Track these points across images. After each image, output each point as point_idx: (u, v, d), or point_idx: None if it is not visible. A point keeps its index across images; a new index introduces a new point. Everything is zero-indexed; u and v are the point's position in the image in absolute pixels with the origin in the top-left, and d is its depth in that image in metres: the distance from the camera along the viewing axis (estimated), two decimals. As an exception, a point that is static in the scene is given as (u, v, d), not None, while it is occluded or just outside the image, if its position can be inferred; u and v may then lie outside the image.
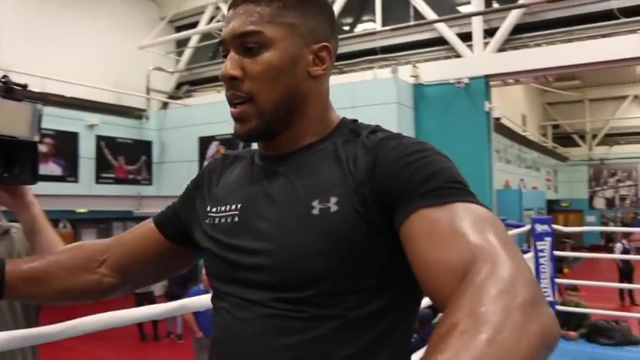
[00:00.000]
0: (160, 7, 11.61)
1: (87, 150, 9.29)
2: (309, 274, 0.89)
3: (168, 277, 1.46)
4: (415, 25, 8.90)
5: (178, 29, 11.86)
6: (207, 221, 1.06)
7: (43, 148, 8.38)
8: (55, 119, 8.27)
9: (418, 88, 8.54)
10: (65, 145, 8.84)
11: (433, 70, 8.54)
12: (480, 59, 8.43)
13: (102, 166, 9.52)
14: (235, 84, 0.96)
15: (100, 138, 9.45)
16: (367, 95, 8.01)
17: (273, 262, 0.92)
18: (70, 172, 9.07)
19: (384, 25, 9.46)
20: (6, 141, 1.31)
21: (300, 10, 0.98)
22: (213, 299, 1.05)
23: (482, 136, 8.16)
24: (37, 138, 1.36)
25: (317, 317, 0.89)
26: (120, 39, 10.12)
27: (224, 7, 10.43)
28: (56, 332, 1.38)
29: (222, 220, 1.02)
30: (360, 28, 10.31)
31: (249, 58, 0.96)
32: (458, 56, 8.73)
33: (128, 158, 9.89)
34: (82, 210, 9.65)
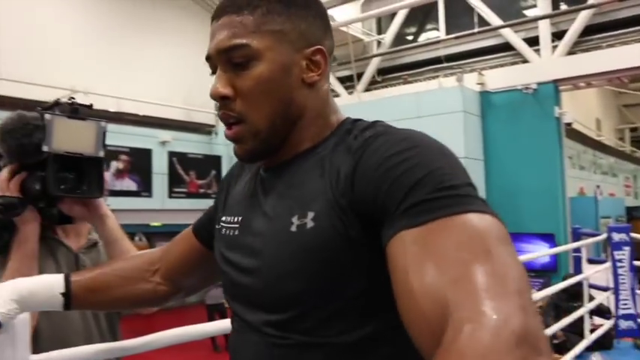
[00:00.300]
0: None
1: (160, 166, 9.64)
2: (286, 294, 0.83)
3: (216, 282, 1.48)
4: (480, 32, 8.77)
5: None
6: (217, 227, 1.03)
7: (119, 164, 8.77)
8: (130, 137, 8.63)
9: (485, 96, 8.39)
10: (139, 161, 9.20)
11: (499, 77, 8.36)
12: (548, 63, 8.20)
13: (174, 181, 9.84)
14: (227, 103, 0.89)
15: (172, 154, 9.78)
16: (432, 105, 7.94)
17: (259, 282, 0.87)
18: (145, 188, 9.42)
19: (447, 33, 9.37)
20: (74, 158, 1.38)
21: (286, 14, 0.88)
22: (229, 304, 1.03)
23: (553, 143, 7.91)
24: (101, 154, 1.42)
25: (303, 345, 0.83)
26: (189, 58, 10.45)
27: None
28: (139, 345, 1.45)
29: (226, 231, 0.99)
30: (423, 38, 10.25)
31: (238, 73, 0.88)
32: (525, 61, 8.52)
33: (199, 173, 10.18)
34: (156, 223, 10.00)
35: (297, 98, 0.90)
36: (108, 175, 1.81)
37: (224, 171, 10.49)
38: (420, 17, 10.22)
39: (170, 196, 9.75)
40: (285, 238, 0.84)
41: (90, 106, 1.44)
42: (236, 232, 0.96)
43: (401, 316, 0.67)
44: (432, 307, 0.61)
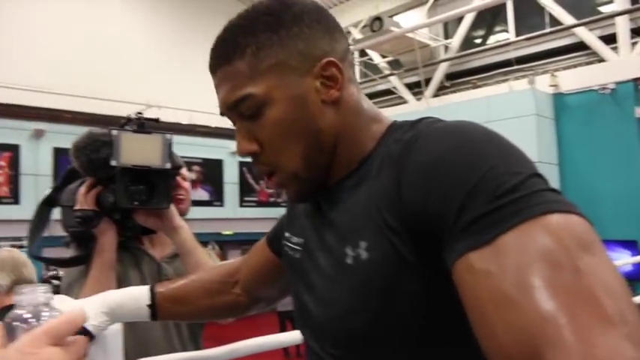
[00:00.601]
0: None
1: (231, 175, 9.85)
2: (349, 331, 0.76)
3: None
4: (552, 32, 8.49)
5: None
6: (284, 242, 1.00)
7: (192, 175, 9.03)
8: (202, 148, 8.88)
9: (558, 98, 8.10)
10: (211, 171, 9.43)
11: (574, 78, 8.05)
12: (627, 62, 7.82)
13: (245, 190, 10.03)
14: (256, 157, 0.83)
15: (242, 164, 9.98)
16: (503, 109, 7.73)
17: (322, 316, 0.82)
18: (217, 197, 9.65)
19: (517, 34, 9.13)
20: (142, 171, 1.43)
21: (277, 42, 0.79)
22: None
23: (634, 145, 7.52)
24: (168, 166, 1.45)
25: None
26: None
27: (354, 32, 10.65)
28: (221, 354, 1.49)
29: (291, 252, 0.95)
30: (492, 40, 10.02)
31: (254, 122, 0.81)
32: (601, 60, 8.16)
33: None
34: (228, 232, 10.21)
35: (324, 124, 0.81)
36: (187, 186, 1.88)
37: (293, 180, 10.61)
38: (489, 19, 10.01)
39: (241, 205, 9.94)
40: (342, 272, 0.77)
41: (157, 120, 1.49)
42: (298, 256, 0.92)
43: (483, 352, 0.57)
44: (517, 348, 0.52)
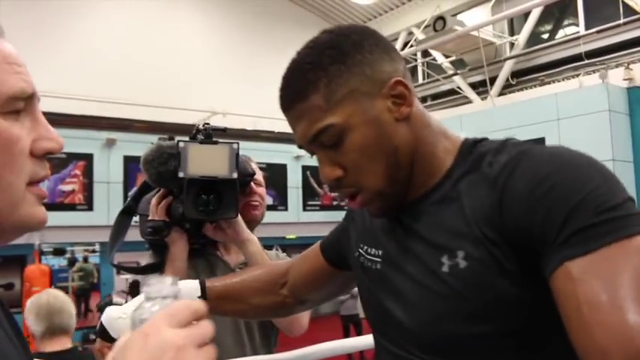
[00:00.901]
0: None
1: (294, 180, 9.94)
2: (444, 335, 0.81)
3: (339, 296, 1.51)
4: (626, 23, 8.11)
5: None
6: (356, 255, 1.03)
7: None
8: (267, 153, 8.99)
9: (633, 92, 7.72)
10: (275, 176, 9.54)
11: (650, 71, 7.67)
12: None
13: (308, 194, 10.09)
14: (340, 181, 0.87)
15: (305, 168, 10.05)
16: (573, 105, 7.45)
17: (414, 323, 0.86)
18: (281, 201, 9.76)
19: (588, 27, 8.78)
20: (210, 181, 1.44)
21: (346, 71, 0.83)
22: (374, 337, 1.02)
23: None
24: (235, 175, 1.46)
25: None
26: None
27: (417, 32, 10.54)
28: (293, 358, 1.51)
29: (369, 263, 0.98)
30: (560, 35, 9.69)
31: (336, 150, 0.85)
32: (680, 52, 7.74)
33: (332, 185, 10.36)
34: (291, 236, 10.30)
35: (399, 141, 0.85)
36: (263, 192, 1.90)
37: (356, 183, 10.60)
38: (557, 13, 9.68)
39: (304, 209, 10.01)
40: (437, 279, 0.81)
41: (224, 130, 1.51)
42: (378, 267, 0.95)
43: (578, 354, 0.65)
44: (615, 347, 0.59)
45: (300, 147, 0.92)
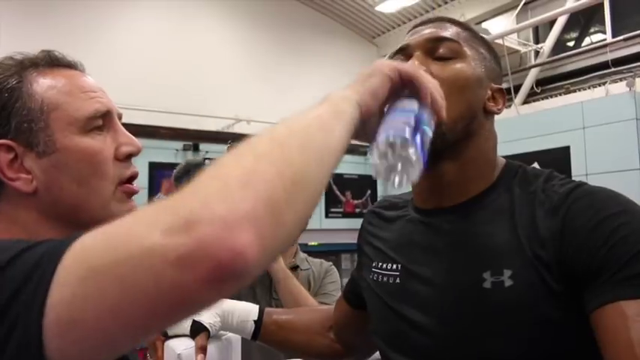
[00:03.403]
0: (378, 47, 12.10)
1: (317, 187, 9.95)
2: (481, 354, 0.80)
3: None
4: (654, 31, 7.99)
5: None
6: (371, 277, 1.02)
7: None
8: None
9: (661, 101, 7.61)
10: (298, 183, 9.57)
11: (679, 79, 7.54)
12: None
13: (331, 202, 10.10)
14: None
15: (328, 175, 10.05)
16: (599, 114, 7.34)
17: (441, 339, 0.84)
18: (303, 208, 9.77)
19: (615, 35, 8.66)
20: None
21: (481, 46, 0.94)
22: (384, 353, 1.01)
23: None
24: None
25: None
26: (343, 81, 10.49)
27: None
28: None
29: (386, 278, 0.97)
30: (586, 42, 9.59)
31: (438, 63, 0.88)
32: None
33: (354, 193, 10.35)
34: (314, 243, 10.30)
35: (479, 116, 0.91)
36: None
37: (379, 191, 10.58)
38: (583, 21, 9.58)
39: (327, 216, 10.01)
40: (477, 295, 0.81)
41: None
42: (397, 280, 0.94)
43: None
44: None
45: (400, 50, 0.93)
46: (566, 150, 7.14)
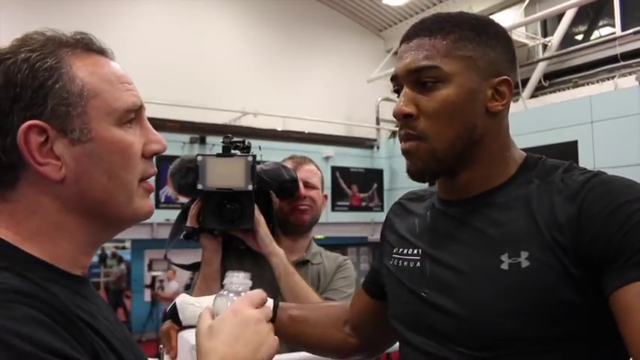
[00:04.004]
0: (385, 40, 12.06)
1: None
2: (496, 333, 0.83)
3: None
4: (663, 25, 7.92)
5: (403, 59, 12.10)
6: (391, 262, 1.04)
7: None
8: (297, 153, 9.01)
9: (670, 95, 7.55)
10: (304, 176, 9.58)
11: (689, 73, 7.48)
12: None
13: (337, 195, 10.10)
14: (409, 122, 0.91)
15: (334, 169, 10.06)
16: (608, 108, 7.31)
17: (460, 319, 0.87)
18: (310, 202, 9.77)
19: (624, 28, 8.60)
20: (230, 193, 1.50)
21: (477, 42, 0.90)
22: (400, 343, 1.03)
23: None
24: (250, 187, 1.51)
25: None
26: (350, 75, 10.73)
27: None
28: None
29: (407, 263, 0.99)
30: (595, 36, 9.52)
31: (424, 94, 0.90)
32: None
33: (361, 186, 10.35)
34: (320, 236, 10.30)
35: (479, 125, 0.91)
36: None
37: (386, 184, 10.58)
38: (591, 14, 9.52)
39: (333, 210, 10.02)
40: (494, 276, 0.84)
41: (242, 142, 1.55)
42: (417, 264, 0.97)
43: (634, 356, 0.71)
44: None
45: (393, 79, 0.96)
46: (573, 144, 7.11)
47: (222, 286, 0.90)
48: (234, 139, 1.56)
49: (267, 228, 1.57)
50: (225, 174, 1.50)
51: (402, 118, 0.92)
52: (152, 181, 0.81)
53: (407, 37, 0.95)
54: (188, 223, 1.56)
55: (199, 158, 1.48)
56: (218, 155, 1.52)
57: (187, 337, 1.18)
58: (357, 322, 1.22)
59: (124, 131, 0.75)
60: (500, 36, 0.94)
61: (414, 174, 0.95)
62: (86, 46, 0.77)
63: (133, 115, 0.77)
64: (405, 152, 0.94)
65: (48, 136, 0.69)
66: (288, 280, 1.57)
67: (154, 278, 10.14)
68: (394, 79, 0.96)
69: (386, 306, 1.10)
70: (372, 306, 1.18)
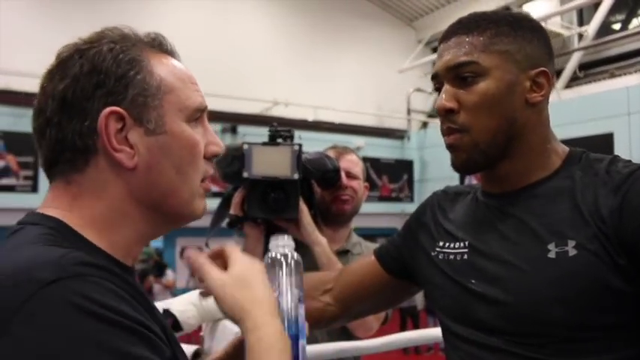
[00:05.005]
0: (417, 30, 11.97)
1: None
2: (544, 320, 0.85)
3: (385, 310, 1.53)
4: None
5: (434, 50, 11.92)
6: (434, 254, 1.06)
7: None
8: (327, 144, 8.86)
9: None
10: (335, 167, 9.59)
11: None
12: None
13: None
14: (451, 116, 0.94)
15: (365, 159, 9.97)
16: (645, 99, 7.14)
17: (507, 307, 0.89)
18: (340, 192, 9.79)
19: (664, 18, 8.36)
20: (275, 182, 1.50)
21: (513, 36, 0.93)
22: (445, 334, 1.04)
23: None
24: (296, 176, 1.50)
25: None
26: (381, 65, 10.68)
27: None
28: (375, 346, 1.58)
29: (452, 256, 1.01)
30: (634, 25, 9.28)
31: (464, 89, 0.93)
32: None
33: (391, 177, 10.32)
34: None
35: (519, 117, 0.93)
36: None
37: (416, 175, 10.53)
38: (630, 2, 9.29)
39: (364, 201, 10.02)
40: (542, 265, 0.86)
41: (289, 131, 1.56)
42: (465, 257, 0.99)
43: None
44: None
45: (434, 77, 1.00)
46: (609, 137, 6.96)
47: (266, 250, 0.89)
48: (279, 128, 1.57)
49: (310, 217, 1.57)
50: (271, 162, 1.50)
51: (444, 113, 0.95)
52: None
53: (445, 37, 0.98)
54: (232, 211, 1.57)
55: (245, 146, 1.49)
56: (264, 144, 1.53)
57: (231, 326, 1.18)
58: (347, 291, 1.22)
59: (192, 129, 0.78)
60: (536, 29, 0.96)
61: (458, 166, 0.97)
62: (160, 45, 0.80)
63: (198, 114, 0.80)
64: (449, 146, 0.96)
65: (125, 123, 0.71)
66: (330, 269, 1.59)
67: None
68: (435, 77, 0.99)
69: (392, 282, 1.16)
70: (380, 279, 1.19)
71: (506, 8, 8.74)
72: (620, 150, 6.64)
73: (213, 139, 0.82)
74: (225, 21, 9.37)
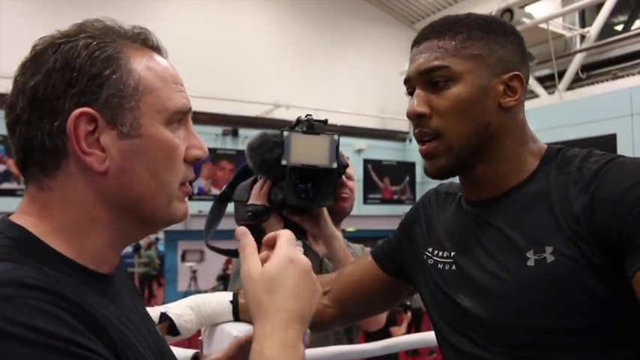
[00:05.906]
0: (417, 32, 11.95)
1: (355, 173, 9.94)
2: (529, 329, 0.85)
3: (383, 312, 1.52)
4: None
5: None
6: (425, 258, 1.06)
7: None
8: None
9: None
10: (336, 169, 9.58)
11: None
12: None
13: (369, 188, 10.08)
14: (423, 121, 0.94)
15: (366, 161, 10.04)
16: (648, 100, 7.11)
17: (494, 321, 0.89)
18: (341, 195, 9.78)
19: (666, 19, 8.34)
20: (310, 170, 1.49)
21: (486, 40, 0.92)
22: (439, 338, 1.04)
23: None
24: (334, 165, 1.50)
25: None
26: (383, 67, 10.67)
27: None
28: (376, 349, 1.57)
29: (440, 265, 1.01)
30: (637, 26, 9.26)
31: (436, 93, 0.93)
32: None
33: (393, 179, 10.31)
34: (351, 229, 10.31)
35: (493, 121, 0.92)
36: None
37: (418, 177, 10.51)
38: (633, 3, 9.26)
39: (365, 202, 10.01)
40: (522, 274, 0.86)
41: (325, 122, 1.55)
42: (453, 267, 0.99)
43: None
44: None
45: (406, 82, 1.00)
46: (612, 138, 6.94)
47: None
48: (315, 118, 1.56)
49: (327, 211, 1.57)
50: (311, 151, 1.50)
51: (415, 118, 0.95)
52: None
53: (417, 41, 0.98)
54: (259, 202, 1.54)
55: (285, 134, 1.47)
56: (304, 132, 1.51)
57: (229, 329, 1.18)
58: (344, 292, 1.22)
59: (171, 132, 0.74)
60: (509, 33, 0.95)
61: (432, 174, 0.97)
62: (144, 41, 0.76)
63: (180, 116, 0.76)
64: (425, 155, 0.96)
65: (97, 125, 0.68)
66: (346, 263, 1.58)
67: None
68: (407, 81, 0.99)
69: (389, 282, 1.16)
70: (378, 279, 1.19)
71: (508, 10, 8.73)
72: (624, 151, 6.61)
73: (197, 142, 0.78)
74: (227, 23, 9.37)
